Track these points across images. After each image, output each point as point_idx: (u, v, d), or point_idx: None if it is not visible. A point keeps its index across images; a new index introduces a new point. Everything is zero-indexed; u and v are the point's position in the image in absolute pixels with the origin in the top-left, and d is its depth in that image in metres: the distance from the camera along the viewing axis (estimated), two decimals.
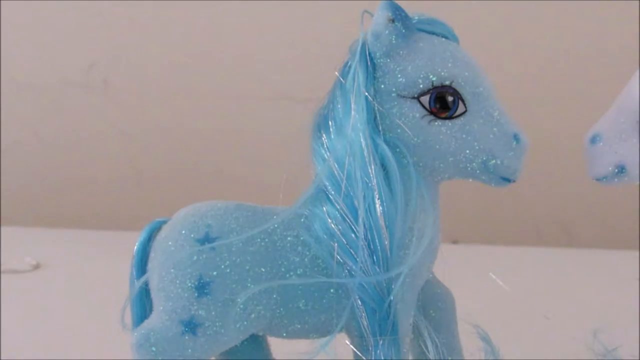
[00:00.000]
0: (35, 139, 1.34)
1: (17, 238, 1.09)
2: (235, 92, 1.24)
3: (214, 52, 1.28)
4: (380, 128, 0.49)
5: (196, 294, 0.48)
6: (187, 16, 1.29)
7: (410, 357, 0.52)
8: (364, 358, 0.50)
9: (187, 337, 0.48)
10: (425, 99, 0.48)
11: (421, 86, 0.48)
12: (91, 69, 1.30)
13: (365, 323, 0.48)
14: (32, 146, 1.33)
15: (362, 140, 0.48)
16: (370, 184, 0.48)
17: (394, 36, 0.49)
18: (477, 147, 0.49)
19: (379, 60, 0.49)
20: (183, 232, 0.49)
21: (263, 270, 0.49)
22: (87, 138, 1.32)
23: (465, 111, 0.49)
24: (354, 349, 0.50)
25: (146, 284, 0.51)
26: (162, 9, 1.29)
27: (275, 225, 0.50)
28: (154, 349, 0.48)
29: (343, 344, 0.51)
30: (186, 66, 1.28)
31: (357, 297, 0.48)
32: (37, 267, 0.98)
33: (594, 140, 0.51)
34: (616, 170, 0.51)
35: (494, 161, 0.49)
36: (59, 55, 1.32)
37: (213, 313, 0.48)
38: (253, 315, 0.49)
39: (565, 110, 1.06)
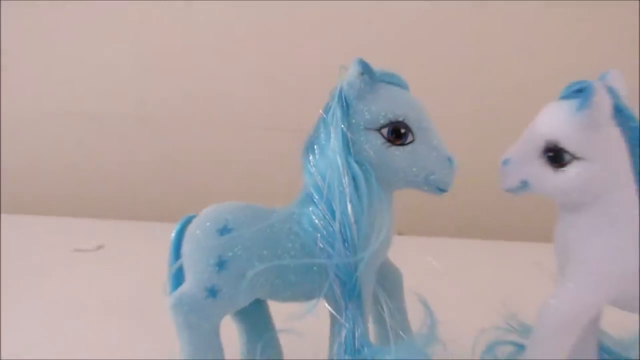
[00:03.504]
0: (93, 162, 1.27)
1: (86, 226, 1.09)
2: (240, 123, 1.21)
3: (221, 88, 1.21)
4: (352, 151, 0.50)
5: (217, 269, 0.49)
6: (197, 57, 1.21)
7: (370, 317, 0.53)
8: (338, 316, 0.50)
9: (209, 300, 0.49)
10: (385, 131, 0.50)
11: (382, 121, 0.50)
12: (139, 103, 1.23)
13: (338, 292, 0.50)
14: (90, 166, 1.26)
15: (338, 160, 0.49)
16: (343, 192, 0.49)
17: (362, 85, 0.50)
18: (421, 166, 0.50)
19: (351, 102, 0.50)
20: (207, 224, 0.50)
21: (265, 252, 0.50)
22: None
23: (413, 140, 0.50)
24: (331, 310, 0.51)
25: (180, 262, 0.52)
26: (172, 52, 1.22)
27: (275, 220, 0.51)
28: (185, 307, 0.49)
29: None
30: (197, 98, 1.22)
31: (333, 273, 0.49)
32: (100, 247, 0.98)
33: (505, 162, 0.51)
34: (520, 184, 0.50)
35: (433, 176, 0.50)
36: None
37: (228, 283, 0.49)
38: (257, 285, 0.50)
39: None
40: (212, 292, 0.48)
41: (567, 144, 0.47)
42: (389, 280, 0.56)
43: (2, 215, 1.11)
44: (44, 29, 1.22)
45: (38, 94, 1.24)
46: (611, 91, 0.47)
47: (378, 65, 0.51)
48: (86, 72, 1.22)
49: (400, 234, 0.88)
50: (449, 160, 0.50)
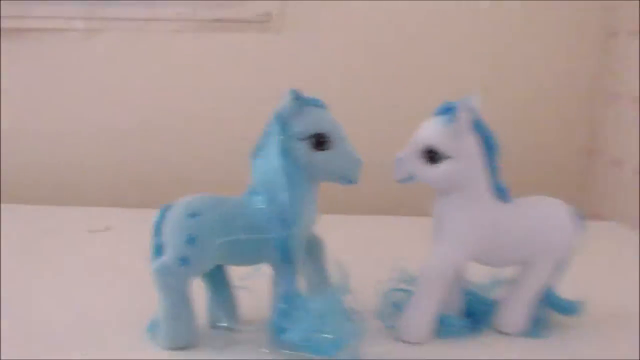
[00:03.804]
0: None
1: (97, 212, 1.12)
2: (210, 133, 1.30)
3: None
4: (287, 155, 0.54)
5: (187, 244, 0.54)
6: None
7: (301, 275, 0.58)
8: (277, 276, 0.56)
9: (182, 267, 0.54)
10: (311, 140, 0.55)
11: (308, 133, 0.55)
12: None
13: (277, 258, 0.55)
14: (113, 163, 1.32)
15: (276, 162, 0.54)
16: (280, 185, 0.54)
17: (294, 107, 0.55)
18: (337, 166, 0.56)
19: (286, 119, 0.55)
20: (180, 210, 0.55)
21: (223, 230, 0.54)
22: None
23: (332, 147, 0.56)
24: (273, 272, 0.56)
25: (160, 239, 0.56)
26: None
27: (231, 206, 0.56)
28: (164, 273, 0.54)
29: None
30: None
31: (273, 244, 0.54)
32: (108, 228, 1.02)
33: (397, 160, 0.57)
34: (408, 176, 0.57)
35: (346, 173, 0.56)
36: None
37: (196, 254, 0.54)
38: (218, 255, 0.55)
39: None
40: (184, 261, 0.53)
41: (439, 147, 0.55)
42: (315, 249, 0.60)
43: (21, 205, 1.15)
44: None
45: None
46: (471, 109, 0.56)
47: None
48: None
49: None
50: (358, 161, 0.56)
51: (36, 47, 1.26)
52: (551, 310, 0.64)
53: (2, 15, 1.22)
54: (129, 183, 1.30)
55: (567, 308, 0.64)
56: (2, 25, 1.22)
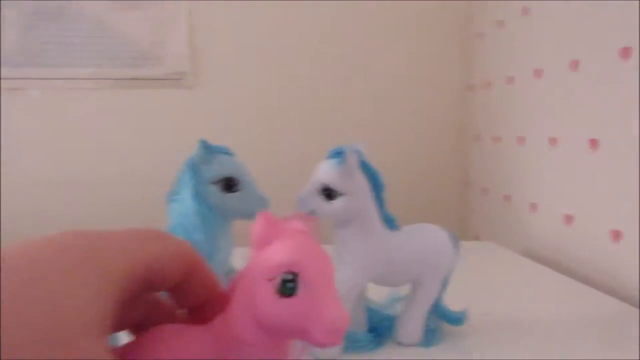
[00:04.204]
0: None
1: None
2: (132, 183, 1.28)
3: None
4: (200, 198, 0.55)
5: None
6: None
7: None
8: None
9: None
10: (220, 184, 0.56)
11: (217, 177, 0.56)
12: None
13: None
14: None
15: (191, 204, 0.54)
16: (195, 225, 0.54)
17: (204, 155, 0.56)
18: (247, 205, 0.57)
19: (198, 167, 0.56)
20: None
21: None
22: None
23: (240, 189, 0.57)
24: None
25: None
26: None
27: None
28: None
29: None
30: None
31: None
32: None
33: (298, 199, 0.59)
34: (310, 212, 0.58)
35: (255, 210, 0.53)
36: None
37: None
38: None
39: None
40: None
41: (334, 185, 0.57)
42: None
43: None
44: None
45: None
46: (358, 152, 0.58)
47: None
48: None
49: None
50: (264, 199, 0.57)
51: None
52: (441, 321, 0.67)
53: None
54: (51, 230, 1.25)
55: (454, 318, 0.67)
56: None
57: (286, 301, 0.27)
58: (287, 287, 0.27)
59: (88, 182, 1.28)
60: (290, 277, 0.27)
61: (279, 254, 0.27)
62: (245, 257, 0.27)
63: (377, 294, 0.68)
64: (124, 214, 1.28)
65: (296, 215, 0.34)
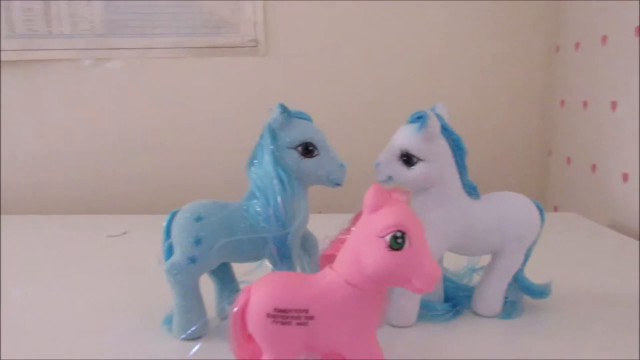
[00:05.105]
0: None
1: (115, 219, 1.14)
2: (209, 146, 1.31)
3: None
4: (279, 163, 0.55)
5: (195, 245, 0.53)
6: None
7: (297, 269, 0.58)
8: (276, 270, 0.55)
9: (190, 265, 0.54)
10: (299, 148, 0.55)
11: (296, 142, 0.55)
12: None
13: (275, 254, 0.55)
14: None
15: (270, 169, 0.54)
16: (274, 189, 0.54)
17: (283, 120, 0.55)
18: (324, 170, 0.56)
19: (276, 131, 0.56)
20: (187, 215, 0.55)
21: (226, 232, 0.54)
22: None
23: (318, 154, 0.56)
24: (272, 267, 0.56)
25: (171, 241, 0.56)
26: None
27: (231, 210, 0.56)
28: (175, 271, 0.54)
29: None
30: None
31: (271, 242, 0.54)
32: (125, 233, 1.03)
33: (376, 165, 0.58)
34: (387, 178, 0.57)
35: (332, 176, 0.56)
36: None
37: (203, 253, 0.54)
38: (222, 253, 0.55)
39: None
40: (192, 260, 0.53)
41: (413, 151, 0.55)
42: (309, 245, 0.60)
43: (49, 215, 1.18)
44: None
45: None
46: (438, 117, 0.56)
47: None
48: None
49: (319, 212, 0.90)
50: (342, 165, 0.56)
51: (55, 74, 1.28)
52: (522, 293, 0.64)
53: (18, 48, 1.24)
54: (142, 192, 1.33)
55: (537, 291, 0.64)
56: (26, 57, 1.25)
57: (395, 254, 0.37)
58: (397, 242, 0.37)
59: (169, 148, 1.32)
60: (399, 234, 0.37)
61: (390, 216, 0.38)
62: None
63: (453, 263, 0.66)
64: (205, 181, 1.31)
65: (395, 188, 0.42)
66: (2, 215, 1.19)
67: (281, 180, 0.54)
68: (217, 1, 1.26)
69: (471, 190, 0.59)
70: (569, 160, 1.27)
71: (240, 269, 0.60)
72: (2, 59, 1.25)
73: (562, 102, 1.29)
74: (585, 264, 0.81)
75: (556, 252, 0.84)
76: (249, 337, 0.44)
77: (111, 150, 1.32)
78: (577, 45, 1.22)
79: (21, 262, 0.86)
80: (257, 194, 0.55)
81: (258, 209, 0.55)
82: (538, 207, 0.61)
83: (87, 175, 1.33)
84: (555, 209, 1.32)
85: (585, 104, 1.19)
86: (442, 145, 0.57)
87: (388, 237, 0.38)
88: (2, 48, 1.24)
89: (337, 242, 0.43)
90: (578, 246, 0.91)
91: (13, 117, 1.30)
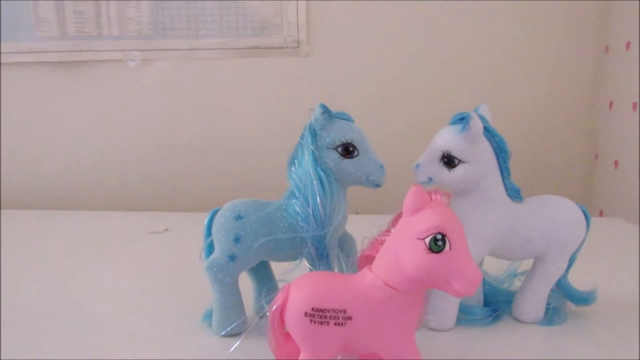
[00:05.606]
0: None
1: (156, 216, 1.16)
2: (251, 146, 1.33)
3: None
4: (319, 163, 0.55)
5: (234, 243, 0.54)
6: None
7: (335, 269, 0.57)
8: (314, 270, 0.55)
9: (230, 263, 0.55)
10: (339, 149, 0.55)
11: (337, 143, 0.55)
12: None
13: (314, 253, 0.55)
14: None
15: (310, 169, 0.54)
16: (314, 189, 0.54)
17: (324, 120, 0.55)
18: (363, 171, 0.55)
19: (317, 131, 0.55)
20: (228, 213, 0.55)
21: (265, 230, 0.55)
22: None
23: (358, 154, 0.55)
24: (309, 266, 0.56)
25: (211, 239, 0.57)
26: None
27: (271, 209, 0.56)
28: (215, 268, 0.55)
29: None
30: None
31: (309, 242, 0.54)
32: (166, 230, 1.04)
33: (417, 166, 0.57)
34: (427, 180, 0.57)
35: (371, 177, 0.56)
36: None
37: (242, 252, 0.54)
38: (261, 252, 0.55)
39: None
40: (232, 258, 0.54)
41: (455, 153, 0.55)
42: (347, 245, 0.60)
43: (95, 211, 1.23)
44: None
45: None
46: (482, 118, 0.55)
47: None
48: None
49: (356, 213, 0.89)
50: (381, 166, 0.56)
51: (104, 74, 1.33)
52: (565, 300, 0.62)
53: (72, 49, 1.29)
54: (184, 191, 1.36)
55: (581, 298, 0.62)
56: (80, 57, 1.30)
57: (435, 256, 0.37)
58: (437, 245, 0.36)
59: (211, 147, 1.34)
60: (440, 236, 0.37)
61: (430, 218, 0.38)
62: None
63: (493, 267, 0.65)
64: (247, 178, 1.33)
65: (436, 190, 0.41)
66: (60, 211, 1.24)
67: (320, 181, 0.53)
68: (261, 1, 1.27)
69: (514, 193, 0.58)
70: (616, 164, 1.22)
71: (278, 268, 0.60)
72: (54, 59, 1.30)
73: (611, 104, 1.25)
74: (630, 271, 0.78)
75: (601, 258, 0.81)
76: (287, 336, 0.44)
77: (155, 148, 1.35)
78: (627, 45, 1.17)
79: (68, 255, 0.88)
80: (297, 193, 0.55)
81: (297, 209, 0.54)
82: (584, 211, 0.59)
83: (132, 173, 1.37)
84: (601, 214, 1.27)
85: (634, 106, 1.14)
86: (485, 147, 0.56)
87: (428, 240, 0.38)
88: (54, 49, 1.29)
89: (376, 243, 0.42)
90: (624, 252, 0.88)
91: (65, 116, 1.35)
